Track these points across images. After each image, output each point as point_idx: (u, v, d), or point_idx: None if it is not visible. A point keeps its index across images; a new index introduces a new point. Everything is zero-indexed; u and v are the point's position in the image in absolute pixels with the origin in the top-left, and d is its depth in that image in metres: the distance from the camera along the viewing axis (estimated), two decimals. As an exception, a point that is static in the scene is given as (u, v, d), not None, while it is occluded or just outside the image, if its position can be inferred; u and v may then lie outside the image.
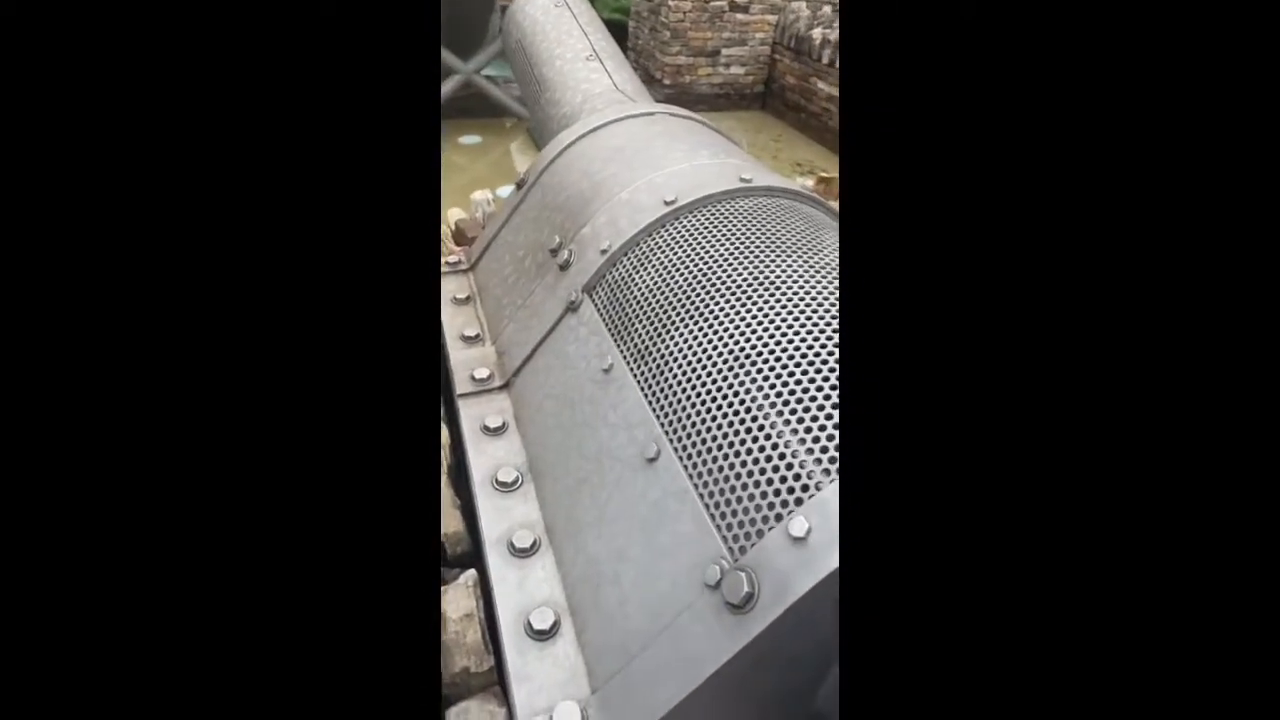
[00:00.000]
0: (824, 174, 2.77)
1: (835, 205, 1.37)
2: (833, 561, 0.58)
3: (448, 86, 5.81)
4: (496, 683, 0.85)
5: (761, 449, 0.70)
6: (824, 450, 0.67)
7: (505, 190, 1.74)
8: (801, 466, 0.67)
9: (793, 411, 0.71)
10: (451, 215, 2.00)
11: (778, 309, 0.82)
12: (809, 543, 0.60)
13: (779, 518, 0.65)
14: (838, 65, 5.97)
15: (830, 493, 0.63)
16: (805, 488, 0.65)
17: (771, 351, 0.77)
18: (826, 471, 0.65)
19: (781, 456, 0.68)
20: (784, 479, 0.66)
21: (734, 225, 0.99)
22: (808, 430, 0.69)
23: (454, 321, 1.31)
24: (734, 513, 0.69)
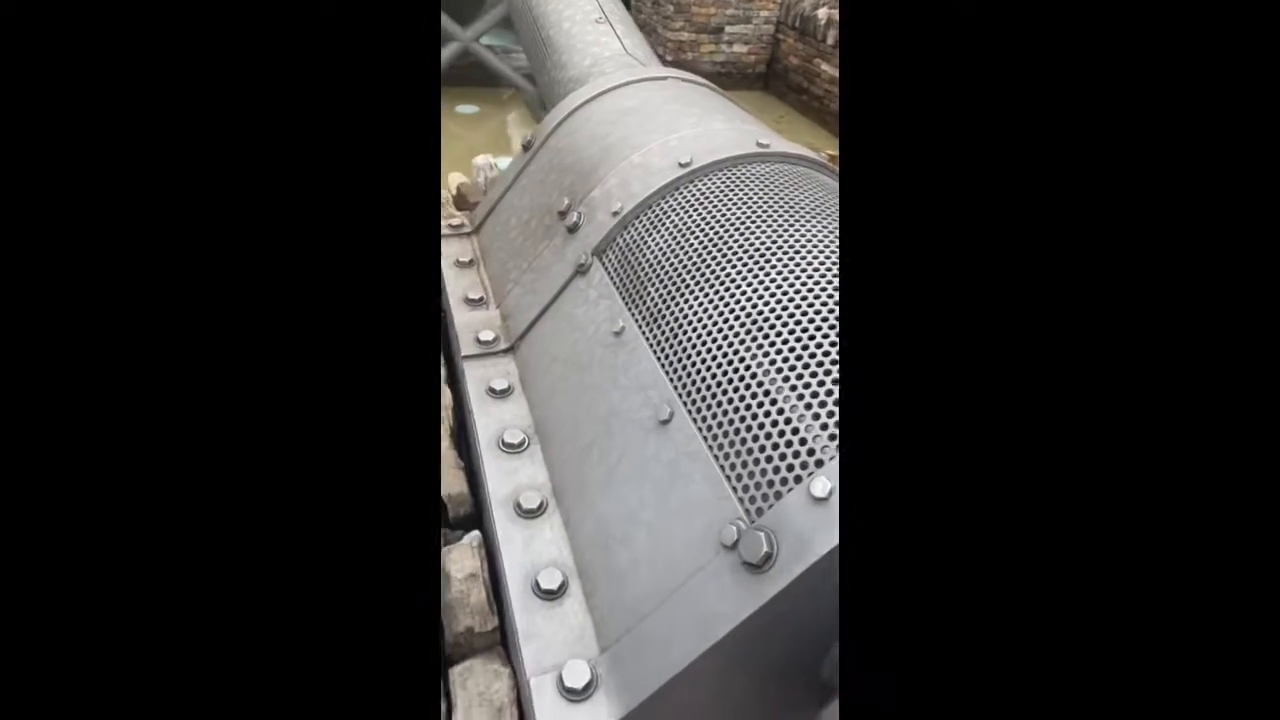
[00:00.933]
0: (831, 154, 2.74)
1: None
2: None
3: (446, 53, 5.68)
4: (500, 643, 0.85)
5: (780, 412, 0.69)
6: (831, 420, 0.66)
7: (505, 162, 1.70)
8: (811, 437, 0.66)
9: (799, 379, 0.70)
10: (453, 179, 1.96)
11: (798, 273, 0.81)
12: (831, 503, 0.59)
13: (798, 479, 0.64)
14: (842, 47, 5.88)
15: None
16: (820, 462, 0.64)
17: (791, 315, 0.76)
18: (836, 441, 0.64)
19: (788, 423, 0.67)
20: (815, 435, 0.65)
21: (751, 189, 0.97)
22: (813, 400, 0.68)
23: (457, 284, 1.28)
24: (750, 474, 0.68)
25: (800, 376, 0.70)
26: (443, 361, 1.26)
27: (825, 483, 0.60)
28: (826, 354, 0.71)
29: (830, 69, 6.07)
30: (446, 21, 5.58)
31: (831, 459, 0.63)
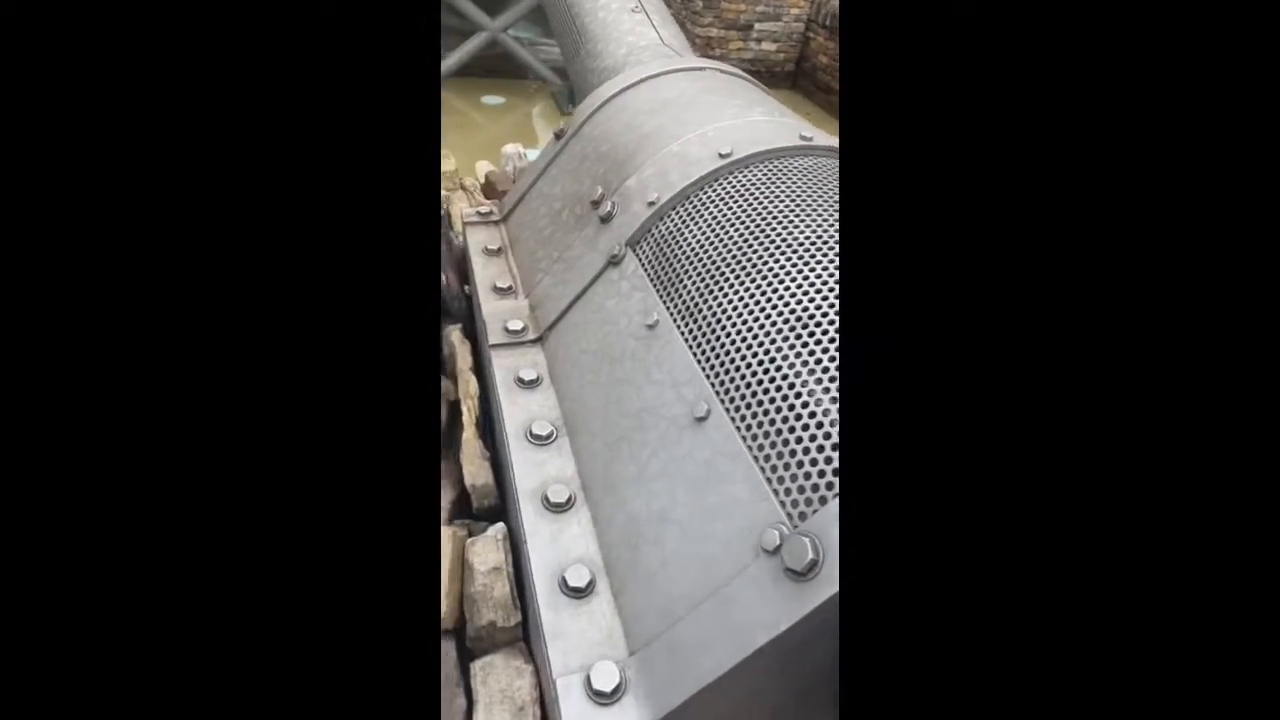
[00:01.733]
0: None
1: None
2: None
3: (473, 43, 5.69)
4: (522, 638, 0.83)
5: (825, 413, 0.66)
6: None
7: (533, 153, 1.68)
8: None
9: None
10: (480, 168, 1.95)
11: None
12: None
13: None
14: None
15: None
16: None
17: (838, 313, 0.73)
18: None
19: (833, 424, 0.64)
20: None
21: (795, 182, 0.94)
22: None
23: (485, 273, 1.26)
24: (793, 477, 0.65)
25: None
26: (471, 349, 1.25)
27: None
28: None
29: (860, 69, 5.99)
30: (475, 12, 5.58)
31: None
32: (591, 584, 0.74)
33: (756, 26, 6.54)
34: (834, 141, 1.07)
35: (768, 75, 6.68)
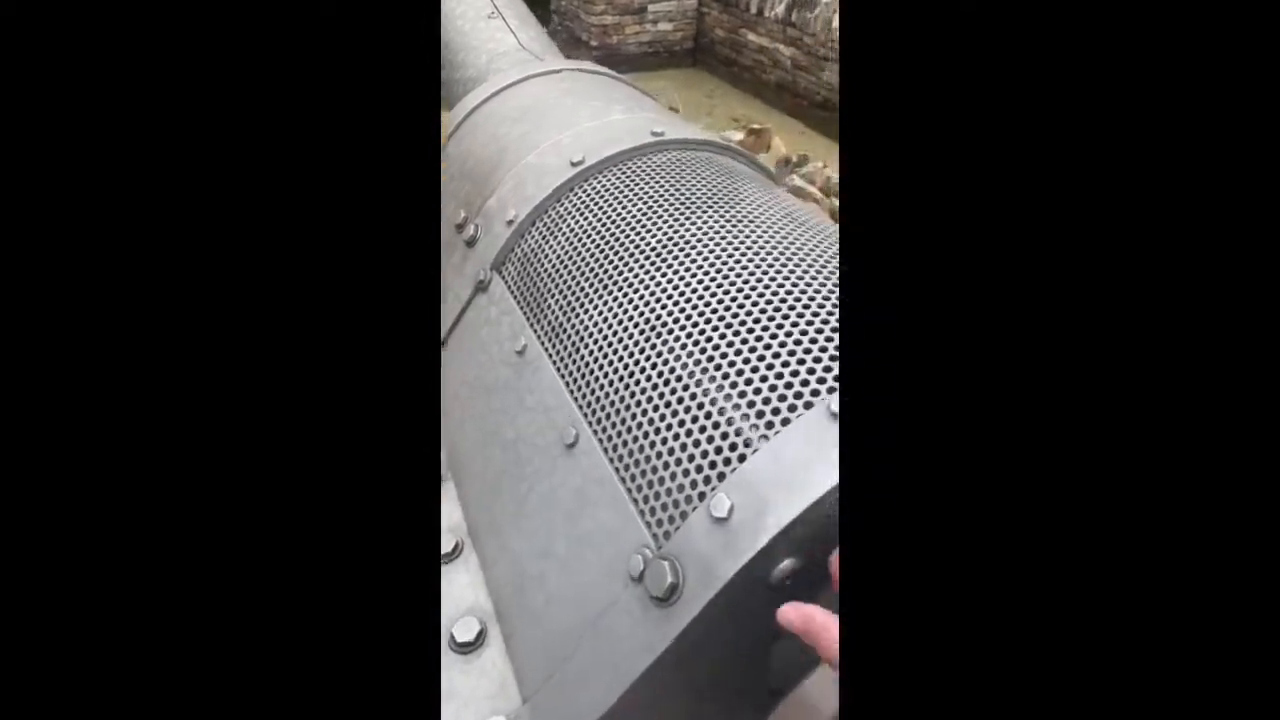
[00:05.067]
0: (755, 126, 2.71)
1: (762, 158, 1.31)
2: (757, 542, 0.54)
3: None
4: (429, 698, 0.80)
5: (692, 416, 0.64)
6: (752, 405, 0.61)
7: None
8: (732, 427, 0.61)
9: (696, 386, 0.65)
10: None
11: (694, 269, 0.76)
12: (731, 523, 0.55)
13: (702, 496, 0.59)
14: (767, 15, 5.85)
15: (754, 462, 0.58)
16: (734, 447, 0.59)
17: (687, 316, 0.72)
18: (759, 430, 0.60)
19: (711, 420, 0.63)
20: (716, 445, 0.61)
21: (645, 183, 0.92)
22: (734, 386, 0.63)
23: None
24: (656, 495, 0.63)
25: (699, 384, 0.66)
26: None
27: (724, 500, 0.56)
28: (724, 356, 0.66)
29: (755, 38, 6.02)
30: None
31: (733, 470, 0.59)
32: (482, 634, 0.71)
33: (650, 8, 6.50)
34: (687, 131, 1.05)
35: (668, 55, 6.66)
